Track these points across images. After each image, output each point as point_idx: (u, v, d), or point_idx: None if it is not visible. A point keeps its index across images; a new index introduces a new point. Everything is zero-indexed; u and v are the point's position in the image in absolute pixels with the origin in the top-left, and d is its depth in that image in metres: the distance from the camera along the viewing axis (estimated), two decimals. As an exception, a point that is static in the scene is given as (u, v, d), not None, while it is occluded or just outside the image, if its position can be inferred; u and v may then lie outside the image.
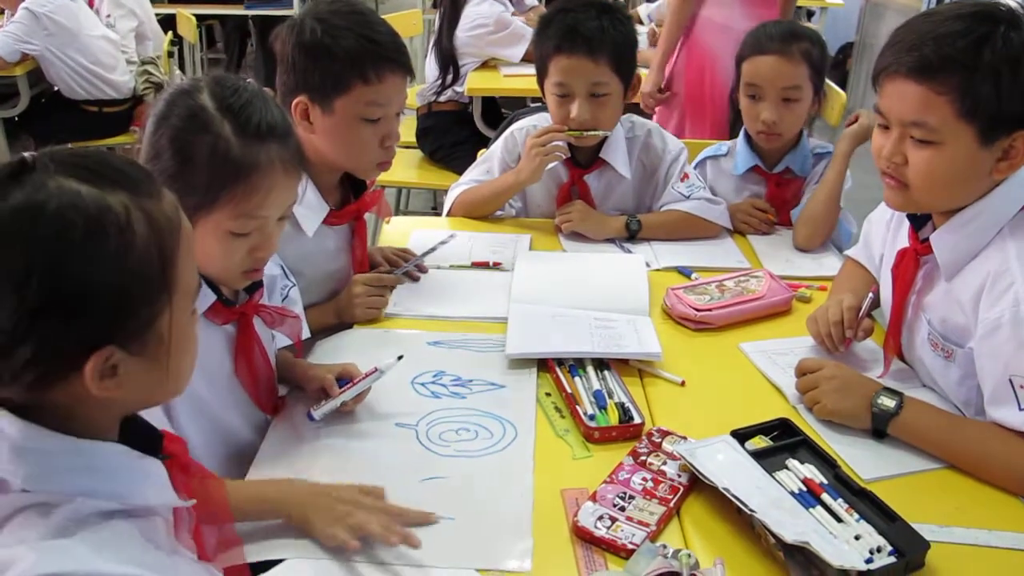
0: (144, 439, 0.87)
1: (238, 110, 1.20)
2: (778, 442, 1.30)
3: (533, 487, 1.24)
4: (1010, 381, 1.26)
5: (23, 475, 0.77)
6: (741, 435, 1.29)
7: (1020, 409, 1.24)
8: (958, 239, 1.37)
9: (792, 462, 1.25)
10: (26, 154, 0.77)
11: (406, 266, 1.83)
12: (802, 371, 1.46)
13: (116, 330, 0.77)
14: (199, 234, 1.15)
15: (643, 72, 2.13)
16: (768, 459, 1.25)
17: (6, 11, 4.19)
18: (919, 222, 1.46)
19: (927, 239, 1.41)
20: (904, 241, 1.49)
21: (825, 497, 1.18)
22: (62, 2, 4.03)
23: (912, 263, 1.46)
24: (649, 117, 3.36)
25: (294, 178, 1.26)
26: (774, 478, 1.21)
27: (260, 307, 1.35)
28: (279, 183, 1.23)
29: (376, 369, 1.37)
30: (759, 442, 1.29)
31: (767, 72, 2.04)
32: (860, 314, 1.55)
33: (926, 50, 1.28)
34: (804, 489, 1.19)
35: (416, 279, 1.84)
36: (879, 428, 1.36)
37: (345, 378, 1.38)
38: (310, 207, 1.66)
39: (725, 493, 1.14)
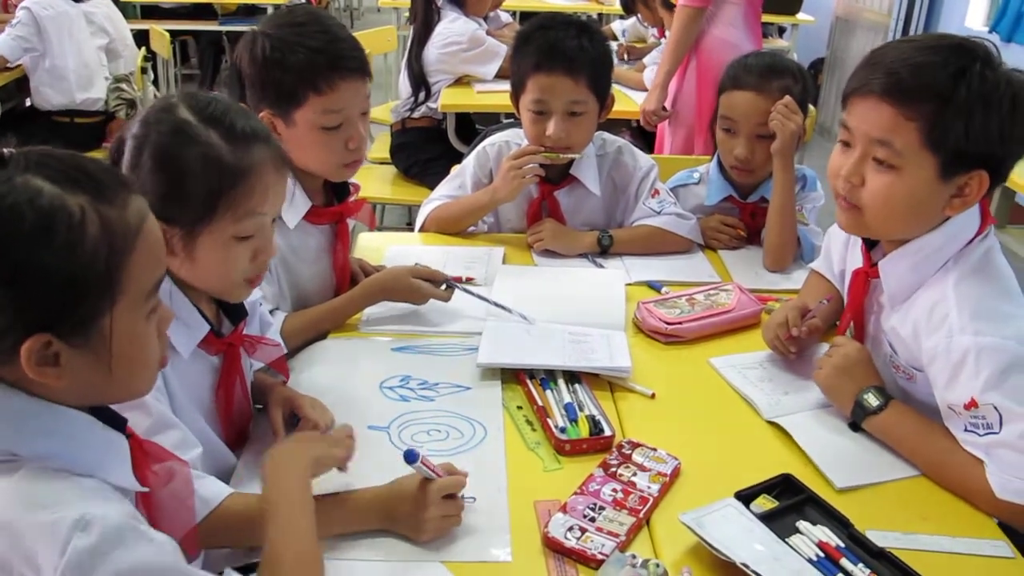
0: (108, 419, 0.91)
1: (220, 118, 1.21)
2: (784, 501, 1.24)
3: (507, 483, 1.27)
4: (950, 408, 1.31)
5: None
6: (745, 496, 1.23)
7: (964, 430, 1.29)
8: (903, 270, 1.40)
9: (803, 524, 1.20)
10: (5, 150, 0.83)
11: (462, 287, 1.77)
12: (833, 343, 1.50)
13: (54, 320, 0.82)
14: (201, 249, 1.19)
15: (617, 88, 2.12)
16: (777, 522, 1.20)
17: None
18: (871, 242, 1.49)
19: (877, 264, 1.44)
20: (859, 260, 1.51)
21: (844, 563, 1.13)
22: (63, 9, 4.03)
23: (863, 284, 1.49)
24: (652, 135, 3.39)
25: (284, 176, 1.30)
26: (788, 544, 1.15)
27: (246, 337, 1.36)
28: (273, 181, 1.26)
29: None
30: (765, 503, 1.24)
31: (742, 107, 2.02)
32: (808, 316, 1.58)
33: (903, 74, 1.28)
34: (822, 555, 1.14)
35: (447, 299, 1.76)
36: (856, 421, 1.39)
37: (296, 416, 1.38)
38: (292, 200, 1.68)
39: (744, 569, 1.07)
